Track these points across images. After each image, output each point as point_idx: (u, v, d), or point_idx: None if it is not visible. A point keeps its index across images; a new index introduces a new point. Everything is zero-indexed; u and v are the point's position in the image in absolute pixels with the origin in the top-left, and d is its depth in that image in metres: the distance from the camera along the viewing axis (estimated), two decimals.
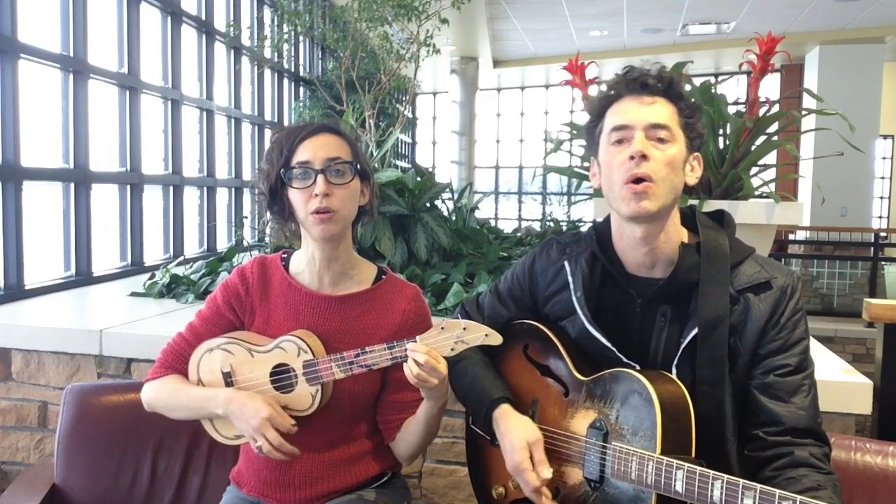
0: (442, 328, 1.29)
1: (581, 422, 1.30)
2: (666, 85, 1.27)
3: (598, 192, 2.64)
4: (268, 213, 1.50)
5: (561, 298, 1.41)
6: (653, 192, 1.22)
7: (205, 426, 1.49)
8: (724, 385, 1.24)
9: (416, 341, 1.30)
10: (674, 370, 1.27)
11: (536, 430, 1.33)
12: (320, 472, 1.49)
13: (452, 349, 1.29)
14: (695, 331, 1.25)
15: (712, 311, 1.24)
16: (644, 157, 1.22)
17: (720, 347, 1.24)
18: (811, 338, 1.34)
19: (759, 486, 1.03)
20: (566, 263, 1.40)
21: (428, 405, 1.42)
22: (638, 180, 1.23)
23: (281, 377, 1.42)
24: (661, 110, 1.26)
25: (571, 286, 1.38)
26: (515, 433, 1.33)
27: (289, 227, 1.50)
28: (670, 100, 1.28)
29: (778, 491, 1.02)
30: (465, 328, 1.28)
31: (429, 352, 1.28)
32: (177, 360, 1.52)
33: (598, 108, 1.32)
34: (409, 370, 1.29)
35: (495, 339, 1.29)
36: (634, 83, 1.27)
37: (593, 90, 2.73)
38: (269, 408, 1.37)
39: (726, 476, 1.07)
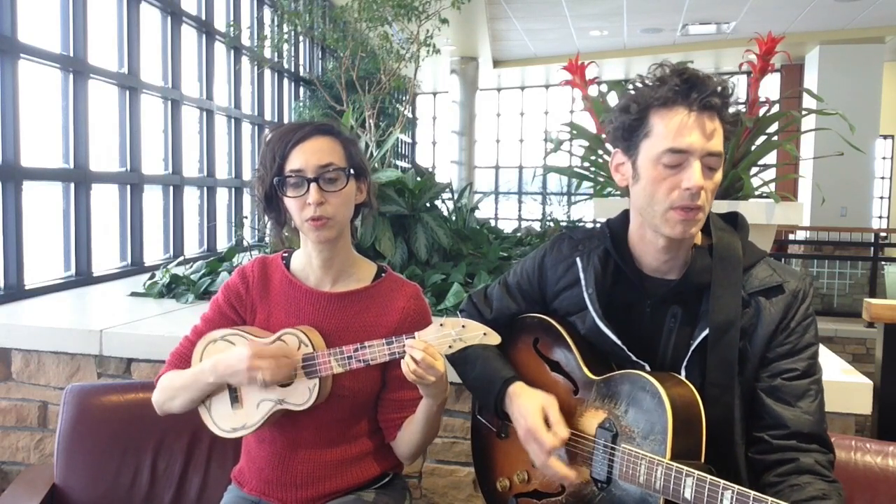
0: (441, 325, 1.29)
1: (590, 421, 1.29)
2: (725, 106, 1.22)
3: (598, 192, 2.64)
4: (264, 217, 1.51)
5: (571, 294, 1.40)
6: (700, 219, 1.23)
7: (204, 420, 1.49)
8: (734, 388, 1.24)
9: (414, 338, 1.30)
10: (683, 372, 1.27)
11: (551, 395, 1.32)
12: (321, 472, 1.49)
13: (451, 346, 1.29)
14: (705, 332, 1.24)
15: (724, 314, 1.23)
16: (700, 188, 1.20)
17: (731, 350, 1.23)
18: None
19: (770, 499, 1.02)
20: (578, 259, 1.39)
21: (426, 403, 1.42)
22: (690, 209, 1.22)
23: None
24: (719, 137, 1.22)
25: (583, 282, 1.37)
26: (529, 400, 1.32)
27: (284, 232, 1.51)
28: (724, 121, 1.23)
29: (752, 493, 1.01)
30: (463, 326, 1.28)
31: (426, 349, 1.28)
32: (182, 363, 1.52)
33: (644, 105, 1.23)
34: (406, 367, 1.29)
35: (493, 338, 1.28)
36: (695, 99, 1.19)
37: (593, 90, 2.74)
38: (247, 348, 1.37)
39: (737, 487, 1.05)
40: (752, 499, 1.03)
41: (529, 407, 1.31)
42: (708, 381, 1.23)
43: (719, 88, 1.21)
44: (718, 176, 1.24)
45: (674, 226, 1.22)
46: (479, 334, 1.28)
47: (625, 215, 1.37)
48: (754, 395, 1.26)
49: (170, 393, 1.49)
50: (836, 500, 1.16)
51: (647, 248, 1.31)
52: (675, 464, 1.12)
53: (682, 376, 1.26)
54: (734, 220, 1.36)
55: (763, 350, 1.25)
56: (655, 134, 1.22)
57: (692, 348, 1.26)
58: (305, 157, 1.40)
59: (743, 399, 1.26)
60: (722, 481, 1.07)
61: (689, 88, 1.20)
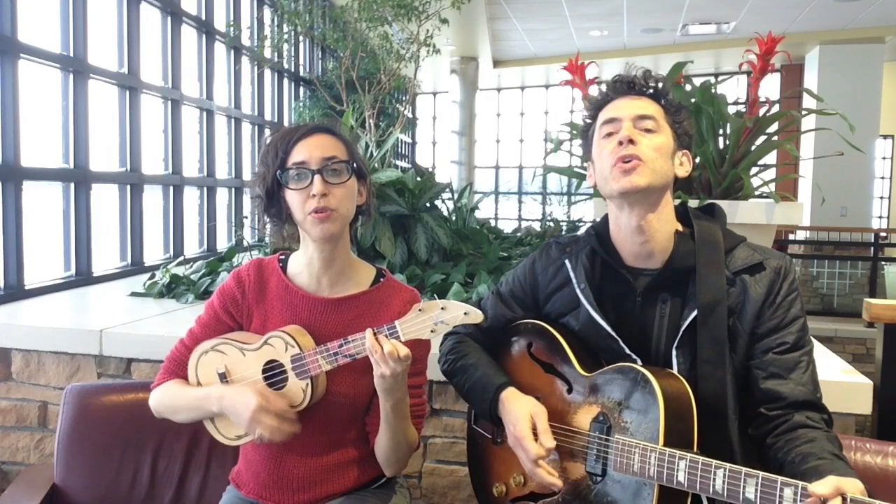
0: (420, 310, 1.29)
1: (584, 417, 1.31)
2: (651, 87, 1.37)
3: (597, 192, 2.64)
4: (265, 216, 1.49)
5: (563, 294, 1.44)
6: (641, 168, 1.29)
7: (207, 427, 1.49)
8: (725, 363, 1.27)
9: (395, 326, 1.31)
10: (674, 352, 1.30)
11: (541, 405, 1.36)
12: (318, 475, 1.48)
13: (433, 330, 1.29)
14: (694, 313, 1.28)
15: (710, 294, 1.28)
16: (631, 141, 1.29)
17: (720, 328, 1.27)
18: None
19: (761, 473, 1.04)
20: (567, 261, 1.44)
21: (381, 403, 1.39)
22: (626, 160, 1.29)
23: (272, 373, 1.42)
24: (647, 105, 1.35)
25: (574, 279, 1.41)
26: (519, 407, 1.35)
27: (287, 229, 1.50)
28: (656, 100, 1.37)
29: (780, 478, 1.03)
30: (443, 308, 1.28)
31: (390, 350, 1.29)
32: (179, 367, 1.52)
33: (591, 112, 1.42)
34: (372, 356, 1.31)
35: (475, 316, 1.28)
36: (621, 85, 1.38)
37: (593, 90, 2.74)
38: (257, 397, 1.36)
39: (728, 465, 1.08)
40: (743, 474, 1.06)
41: (519, 414, 1.34)
42: (699, 359, 1.27)
43: (640, 74, 1.38)
44: (660, 139, 1.32)
45: (618, 179, 1.30)
46: (460, 314, 1.27)
47: (607, 217, 1.43)
48: (748, 372, 1.29)
49: (172, 409, 1.49)
50: (826, 440, 1.19)
51: (624, 234, 1.36)
52: (669, 449, 1.15)
53: (674, 357, 1.30)
54: (711, 211, 1.43)
55: (752, 326, 1.29)
56: (597, 123, 1.39)
57: (682, 329, 1.29)
58: (309, 150, 1.41)
59: (735, 376, 1.29)
60: (714, 461, 1.09)
61: (617, 83, 1.39)
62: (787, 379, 1.26)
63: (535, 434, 1.31)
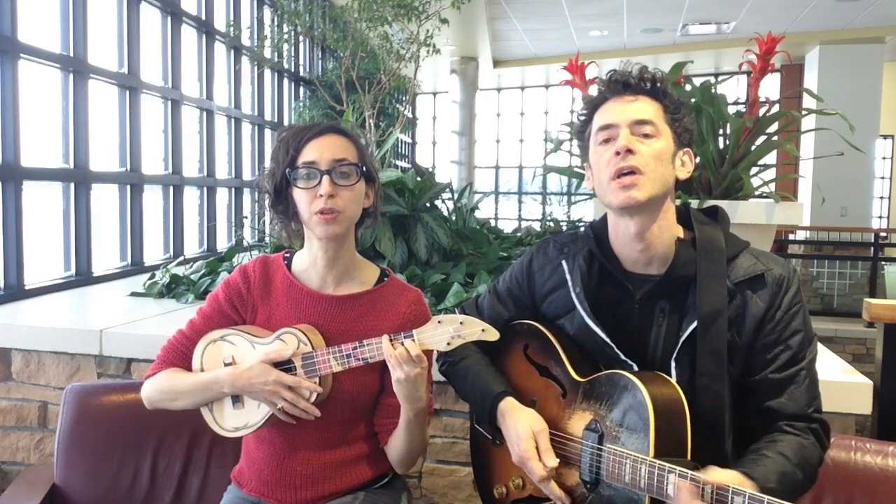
0: (439, 322, 1.30)
1: (577, 423, 1.30)
2: (648, 84, 1.31)
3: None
4: (271, 212, 1.50)
5: (558, 296, 1.42)
6: (640, 183, 1.25)
7: (206, 419, 1.49)
8: (724, 377, 1.25)
9: (412, 335, 1.31)
10: (672, 363, 1.28)
11: (542, 420, 1.34)
12: (320, 473, 1.49)
13: (449, 343, 1.30)
14: (694, 324, 1.25)
15: (711, 305, 1.25)
16: (629, 151, 1.25)
17: (719, 341, 1.25)
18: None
19: (748, 491, 1.04)
20: (564, 262, 1.42)
21: (403, 410, 1.42)
22: (626, 173, 1.25)
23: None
24: (644, 107, 1.29)
25: (570, 282, 1.39)
26: (521, 424, 1.34)
27: (292, 226, 1.50)
28: (654, 97, 1.31)
29: (767, 497, 1.02)
30: (461, 322, 1.29)
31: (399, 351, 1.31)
32: (176, 357, 1.51)
33: (586, 113, 1.37)
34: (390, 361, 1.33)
35: (492, 334, 1.29)
36: (616, 84, 1.32)
37: (593, 90, 2.73)
38: (274, 370, 1.38)
39: (716, 482, 1.07)
40: (730, 492, 1.05)
41: (521, 432, 1.32)
42: (698, 372, 1.25)
43: (635, 71, 1.32)
44: (658, 144, 1.27)
45: (617, 194, 1.26)
46: (478, 330, 1.29)
47: (606, 217, 1.40)
48: (743, 385, 1.28)
49: (171, 395, 1.48)
50: (784, 443, 1.19)
51: (623, 240, 1.33)
52: (658, 461, 1.13)
53: (673, 368, 1.28)
54: (714, 214, 1.38)
55: (751, 340, 1.27)
56: (593, 127, 1.34)
57: (681, 340, 1.27)
58: (320, 150, 1.41)
59: (732, 389, 1.27)
60: (702, 477, 1.08)
61: (612, 82, 1.33)
62: (781, 395, 1.25)
63: (538, 451, 1.30)
